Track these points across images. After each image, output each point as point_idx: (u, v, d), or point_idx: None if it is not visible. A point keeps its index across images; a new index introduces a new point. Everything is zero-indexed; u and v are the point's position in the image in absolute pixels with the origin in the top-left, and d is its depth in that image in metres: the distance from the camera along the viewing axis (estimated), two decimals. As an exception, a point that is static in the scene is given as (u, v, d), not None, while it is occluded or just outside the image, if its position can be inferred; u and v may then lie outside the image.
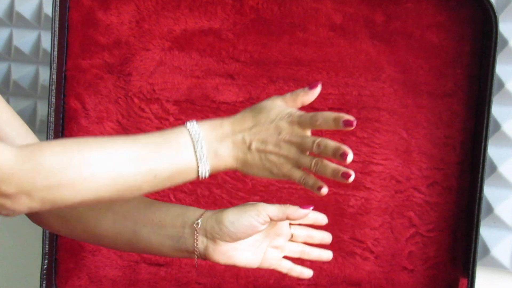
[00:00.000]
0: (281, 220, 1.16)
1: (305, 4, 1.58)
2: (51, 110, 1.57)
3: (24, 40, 1.84)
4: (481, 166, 1.52)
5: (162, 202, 1.24)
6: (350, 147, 1.59)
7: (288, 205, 1.15)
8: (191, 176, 1.08)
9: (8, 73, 1.86)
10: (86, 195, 1.03)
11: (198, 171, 1.08)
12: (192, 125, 1.08)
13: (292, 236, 1.22)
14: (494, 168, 1.63)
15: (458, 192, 1.59)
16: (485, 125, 1.51)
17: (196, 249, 1.17)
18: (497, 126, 1.62)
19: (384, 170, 1.59)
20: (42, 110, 1.84)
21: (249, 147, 1.08)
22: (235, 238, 1.16)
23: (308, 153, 1.09)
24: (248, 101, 1.60)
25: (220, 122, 1.09)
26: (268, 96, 1.58)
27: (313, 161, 1.08)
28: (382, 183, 1.60)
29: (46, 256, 1.61)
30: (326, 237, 1.24)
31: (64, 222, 1.24)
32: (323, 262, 1.61)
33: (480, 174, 1.53)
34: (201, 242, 1.16)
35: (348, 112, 1.59)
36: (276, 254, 1.22)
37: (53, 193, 1.01)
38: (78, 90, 1.62)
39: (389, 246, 1.61)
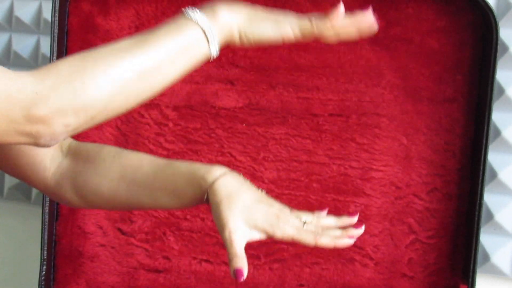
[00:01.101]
0: None
1: (305, 9, 1.58)
2: (50, 116, 1.56)
3: (23, 44, 1.83)
4: (481, 172, 1.52)
5: (166, 164, 1.20)
6: (350, 153, 1.60)
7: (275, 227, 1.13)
8: (202, 45, 1.07)
9: (7, 78, 1.85)
10: (112, 88, 1.02)
11: (205, 33, 1.07)
12: (187, 10, 1.09)
13: None
14: (494, 174, 1.62)
15: (458, 198, 1.58)
16: (485, 131, 1.51)
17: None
18: (497, 132, 1.62)
19: (384, 176, 1.59)
20: (41, 115, 1.83)
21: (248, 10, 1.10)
22: None
23: None
24: (248, 106, 1.60)
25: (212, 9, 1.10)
26: (268, 101, 1.60)
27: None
28: (382, 190, 1.59)
29: (45, 262, 1.60)
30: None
31: (82, 197, 1.24)
32: (322, 269, 1.61)
33: (480, 181, 1.52)
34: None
35: (348, 118, 1.58)
36: None
37: (81, 97, 1.00)
38: (77, 96, 1.61)
39: (389, 252, 1.60)
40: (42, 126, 0.99)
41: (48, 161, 1.24)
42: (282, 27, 1.10)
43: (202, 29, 1.07)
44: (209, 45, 1.08)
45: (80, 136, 1.61)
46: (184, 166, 1.18)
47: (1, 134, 0.99)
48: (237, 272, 1.09)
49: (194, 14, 1.07)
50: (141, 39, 1.05)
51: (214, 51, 1.08)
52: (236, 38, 1.10)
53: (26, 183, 1.27)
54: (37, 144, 1.01)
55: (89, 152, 1.24)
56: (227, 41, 1.10)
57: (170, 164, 1.20)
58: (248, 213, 1.11)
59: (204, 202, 1.15)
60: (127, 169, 1.21)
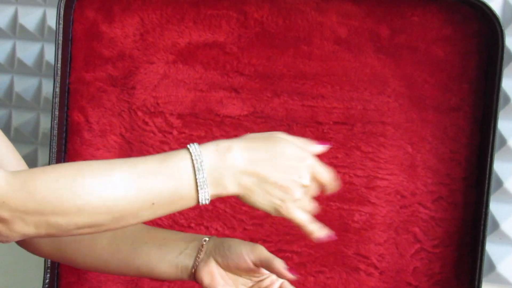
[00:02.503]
0: (264, 266, 1.17)
1: (310, 18, 1.58)
2: (54, 123, 1.56)
3: (27, 52, 1.83)
4: (486, 181, 1.51)
5: (160, 229, 1.24)
6: (355, 161, 1.60)
7: (280, 260, 1.15)
8: (190, 203, 1.04)
9: (11, 86, 1.85)
10: (81, 222, 1.00)
11: (197, 198, 1.03)
12: (195, 149, 1.03)
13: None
14: (500, 183, 1.61)
15: (463, 207, 1.57)
16: (491, 140, 1.50)
17: (196, 263, 1.18)
18: (503, 141, 1.61)
19: (389, 185, 1.58)
20: (45, 123, 1.83)
21: (258, 178, 1.05)
22: (225, 263, 1.17)
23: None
24: (252, 114, 1.60)
25: (228, 146, 1.05)
26: (273, 109, 1.59)
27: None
28: (387, 198, 1.59)
29: (48, 270, 1.60)
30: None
31: (57, 242, 1.23)
32: (327, 278, 1.60)
33: (485, 190, 1.51)
34: (200, 258, 1.18)
35: (353, 126, 1.58)
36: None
37: (46, 220, 0.98)
38: (81, 103, 1.61)
39: (394, 261, 1.60)
40: (1, 226, 0.98)
41: None
42: (285, 213, 1.09)
43: (196, 186, 1.03)
44: (198, 203, 1.05)
45: (83, 144, 1.61)
46: (183, 232, 1.23)
47: None
48: None
49: (200, 170, 1.02)
50: (132, 179, 1.00)
51: (202, 202, 1.05)
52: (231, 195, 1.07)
53: None
54: None
55: None
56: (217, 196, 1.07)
57: (163, 229, 1.24)
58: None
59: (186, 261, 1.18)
60: None
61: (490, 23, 1.49)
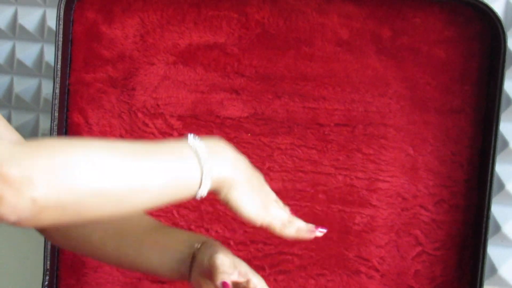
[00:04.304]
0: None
1: (311, 19, 1.57)
2: (54, 125, 1.56)
3: (27, 53, 1.83)
4: (488, 183, 1.51)
5: (170, 227, 1.24)
6: (356, 164, 1.59)
7: (254, 276, 1.15)
8: (192, 187, 1.03)
9: (10, 87, 1.85)
10: (88, 182, 0.94)
11: (201, 181, 1.02)
12: (193, 138, 1.06)
13: None
14: (501, 186, 1.61)
15: (465, 210, 1.57)
16: (493, 142, 1.50)
17: (190, 272, 1.18)
18: (505, 143, 1.60)
19: (390, 187, 1.58)
20: (45, 124, 1.83)
21: (245, 176, 1.09)
22: (208, 276, 1.16)
23: None
24: (253, 116, 1.59)
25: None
26: (274, 111, 1.59)
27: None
28: (388, 201, 1.58)
29: (47, 272, 1.59)
30: None
31: (70, 240, 1.23)
32: (328, 281, 1.60)
33: (487, 192, 1.51)
34: (192, 269, 1.18)
35: (354, 128, 1.57)
36: None
37: (56, 175, 0.91)
38: (81, 104, 1.61)
39: (395, 264, 1.59)
40: (9, 189, 0.89)
41: None
42: (265, 215, 1.10)
43: (201, 176, 1.03)
44: (198, 190, 1.04)
45: (84, 145, 1.60)
46: (186, 231, 1.24)
47: None
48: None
49: (202, 156, 1.03)
50: (143, 152, 0.99)
51: (199, 197, 1.04)
52: (220, 194, 1.07)
53: None
54: None
55: None
56: (213, 191, 1.06)
57: (170, 227, 1.25)
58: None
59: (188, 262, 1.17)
60: (125, 223, 1.21)
61: (492, 25, 1.48)
